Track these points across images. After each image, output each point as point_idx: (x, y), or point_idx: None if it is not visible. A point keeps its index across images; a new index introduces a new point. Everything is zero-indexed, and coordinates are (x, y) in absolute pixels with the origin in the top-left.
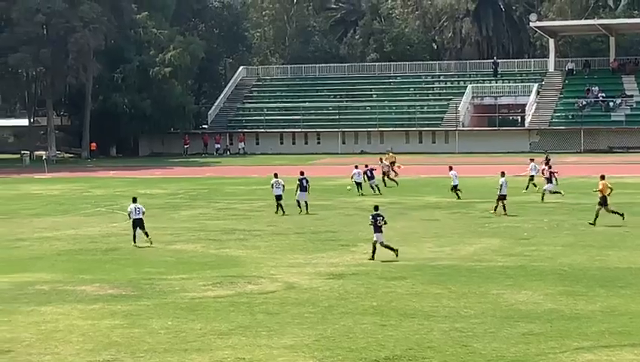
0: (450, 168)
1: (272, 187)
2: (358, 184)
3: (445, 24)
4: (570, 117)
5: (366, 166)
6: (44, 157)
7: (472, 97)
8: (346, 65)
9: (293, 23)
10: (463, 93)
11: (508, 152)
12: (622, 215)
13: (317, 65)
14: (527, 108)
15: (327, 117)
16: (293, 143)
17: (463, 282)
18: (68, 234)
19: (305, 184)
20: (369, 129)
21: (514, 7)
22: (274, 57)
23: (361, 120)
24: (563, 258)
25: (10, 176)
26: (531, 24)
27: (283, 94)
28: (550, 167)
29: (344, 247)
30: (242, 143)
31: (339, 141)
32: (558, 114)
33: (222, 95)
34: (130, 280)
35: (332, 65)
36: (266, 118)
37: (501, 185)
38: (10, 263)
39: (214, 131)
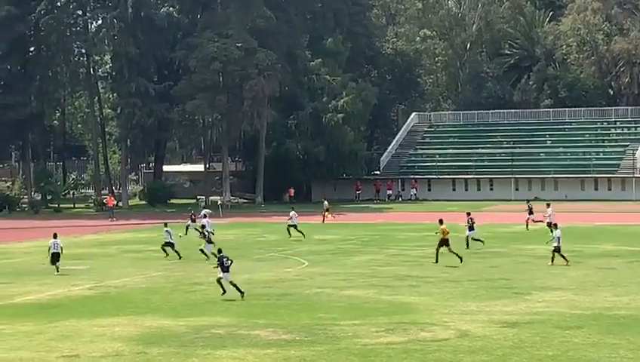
0: None
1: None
2: None
3: (622, 69)
4: None
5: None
6: (219, 202)
7: None
8: (520, 111)
9: (466, 69)
10: None
11: None
12: (461, 258)
13: (490, 111)
14: None
15: (500, 163)
16: (466, 189)
17: None
18: (242, 279)
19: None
20: (543, 175)
21: None
22: (446, 103)
23: (534, 166)
24: None
25: (186, 221)
26: None
27: (455, 140)
28: None
29: (518, 295)
30: (414, 189)
31: (512, 187)
32: None
33: (394, 141)
34: (303, 325)
35: (505, 111)
36: (438, 164)
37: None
38: (187, 307)
39: (386, 177)
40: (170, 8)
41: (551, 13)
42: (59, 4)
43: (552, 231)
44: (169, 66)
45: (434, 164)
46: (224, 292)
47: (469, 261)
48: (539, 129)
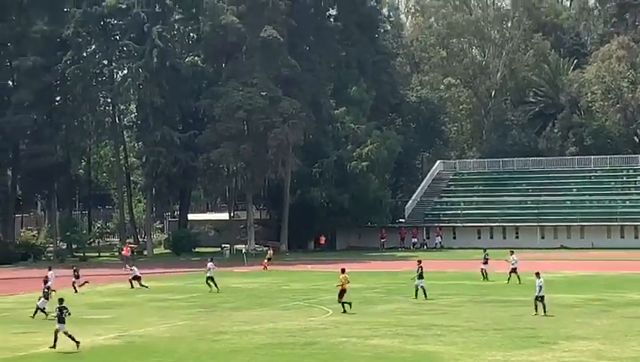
0: None
1: None
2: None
3: None
4: None
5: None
6: (243, 250)
7: None
8: (545, 158)
9: (491, 117)
10: None
11: None
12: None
13: (515, 158)
14: None
15: (525, 211)
16: (491, 237)
17: None
18: (267, 328)
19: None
20: (569, 223)
21: None
22: (471, 151)
23: (560, 214)
24: None
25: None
26: None
27: (480, 188)
28: None
29: (544, 345)
30: (439, 237)
31: (537, 235)
32: None
33: (419, 189)
34: None
35: (530, 158)
36: (463, 211)
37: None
38: (212, 356)
39: (411, 225)
40: (195, 58)
41: (575, 61)
42: (85, 54)
43: (516, 278)
44: (194, 115)
45: (459, 211)
46: (54, 346)
47: (493, 309)
48: (564, 177)
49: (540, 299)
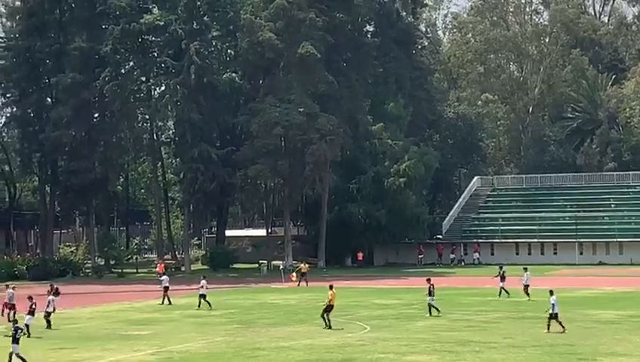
0: None
1: None
2: None
3: None
4: None
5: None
6: (281, 266)
7: None
8: (583, 174)
9: (529, 133)
10: None
11: None
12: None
13: (553, 174)
14: None
15: (563, 227)
16: (529, 254)
17: None
18: (304, 344)
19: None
20: (607, 239)
21: None
22: (509, 167)
23: (599, 230)
24: None
25: (249, 286)
26: None
27: (518, 204)
28: None
29: (583, 361)
30: (477, 253)
31: (576, 252)
32: None
33: (456, 205)
34: None
35: (568, 174)
36: (501, 227)
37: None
38: None
39: (449, 241)
40: (233, 74)
41: (614, 77)
42: (123, 70)
43: (528, 295)
44: (231, 131)
45: (497, 228)
46: None
47: (531, 326)
48: (603, 192)
49: (554, 316)
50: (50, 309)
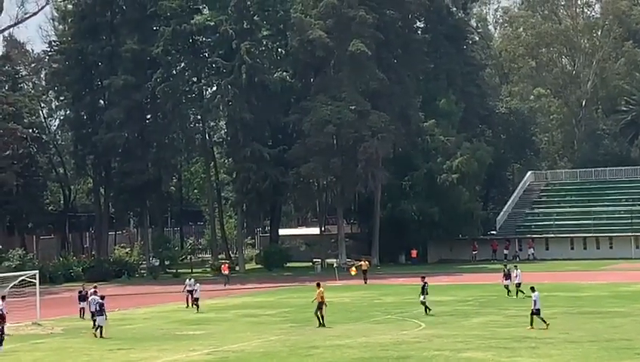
0: None
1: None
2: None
3: None
4: None
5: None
6: (334, 264)
7: None
8: (638, 167)
9: (582, 127)
10: None
11: None
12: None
13: (607, 168)
14: None
15: (619, 221)
16: (584, 248)
17: None
18: (359, 342)
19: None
20: None
21: None
22: (562, 161)
23: None
24: None
25: (303, 284)
26: None
27: (573, 198)
28: None
29: None
30: (531, 249)
31: (632, 246)
32: None
33: (510, 200)
34: None
35: (623, 168)
36: (556, 222)
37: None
38: None
39: (503, 237)
40: (284, 73)
41: None
42: (174, 72)
43: (522, 293)
44: (283, 130)
45: (551, 222)
46: None
47: (588, 321)
48: None
49: (536, 312)
50: (93, 309)
